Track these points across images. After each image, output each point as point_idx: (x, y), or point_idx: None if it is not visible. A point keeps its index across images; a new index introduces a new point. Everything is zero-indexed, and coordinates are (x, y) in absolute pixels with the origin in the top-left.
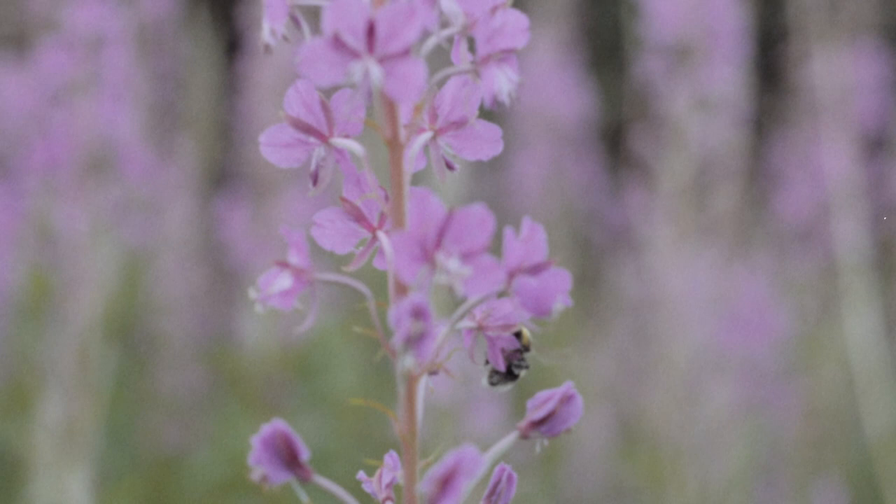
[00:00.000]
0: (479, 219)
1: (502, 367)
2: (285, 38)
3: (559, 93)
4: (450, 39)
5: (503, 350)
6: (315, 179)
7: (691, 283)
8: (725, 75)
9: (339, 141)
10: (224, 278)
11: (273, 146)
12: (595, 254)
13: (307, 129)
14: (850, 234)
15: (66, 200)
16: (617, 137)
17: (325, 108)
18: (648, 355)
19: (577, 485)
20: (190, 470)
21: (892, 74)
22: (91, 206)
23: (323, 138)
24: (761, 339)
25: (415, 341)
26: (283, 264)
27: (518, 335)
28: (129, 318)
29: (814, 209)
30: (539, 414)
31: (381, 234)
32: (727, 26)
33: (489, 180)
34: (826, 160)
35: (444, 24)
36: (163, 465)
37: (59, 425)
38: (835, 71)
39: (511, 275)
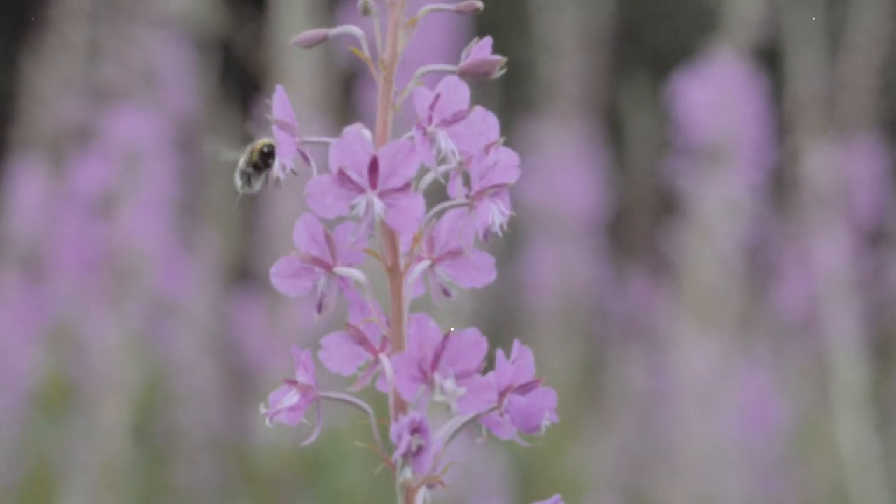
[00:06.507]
0: (472, 342)
1: None
2: (294, 173)
3: (569, 188)
4: (446, 175)
5: None
6: (319, 307)
7: (706, 373)
8: (752, 178)
9: (342, 270)
10: (239, 374)
11: (282, 277)
12: (598, 344)
13: (312, 260)
14: (843, 328)
15: (96, 306)
16: (616, 224)
17: (329, 240)
18: (653, 445)
19: None
20: None
21: (889, 169)
22: (121, 314)
23: (327, 268)
24: (762, 430)
25: (414, 455)
26: (292, 382)
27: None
28: (149, 413)
29: (811, 302)
30: None
31: (382, 357)
32: (754, 132)
33: (500, 275)
34: (820, 253)
35: (441, 161)
36: None
37: None
38: (831, 165)
39: (502, 394)
